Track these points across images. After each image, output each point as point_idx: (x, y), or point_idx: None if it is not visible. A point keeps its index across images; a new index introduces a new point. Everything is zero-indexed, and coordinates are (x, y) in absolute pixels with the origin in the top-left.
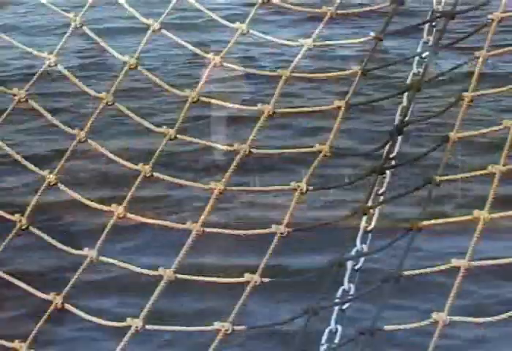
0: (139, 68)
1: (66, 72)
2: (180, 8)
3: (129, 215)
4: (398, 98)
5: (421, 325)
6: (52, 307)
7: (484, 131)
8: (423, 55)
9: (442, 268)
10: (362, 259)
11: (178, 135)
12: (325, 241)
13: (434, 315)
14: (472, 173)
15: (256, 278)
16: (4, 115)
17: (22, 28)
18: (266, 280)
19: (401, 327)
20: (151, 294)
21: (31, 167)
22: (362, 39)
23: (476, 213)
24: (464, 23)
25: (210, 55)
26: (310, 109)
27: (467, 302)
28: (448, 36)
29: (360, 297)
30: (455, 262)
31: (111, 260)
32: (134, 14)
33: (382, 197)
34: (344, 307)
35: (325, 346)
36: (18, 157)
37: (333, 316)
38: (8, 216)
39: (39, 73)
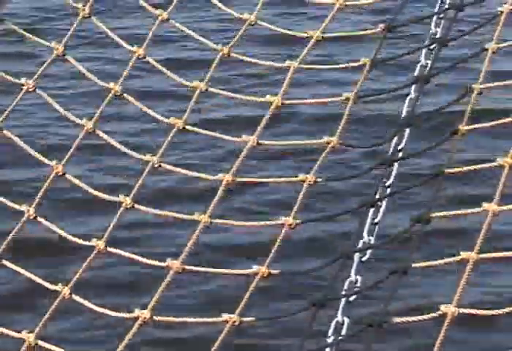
0: (147, 58)
1: (74, 63)
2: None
3: (136, 206)
4: (406, 90)
5: (430, 318)
6: (60, 298)
7: (493, 123)
8: (431, 47)
9: (451, 260)
10: (369, 252)
11: (186, 126)
12: (332, 233)
13: (443, 307)
14: (481, 165)
15: (264, 269)
16: (12, 105)
17: (29, 18)
18: (274, 271)
19: (410, 319)
20: (158, 285)
21: (39, 157)
22: (371, 31)
23: (485, 205)
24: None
25: (218, 46)
26: (319, 100)
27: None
28: (456, 28)
29: (368, 289)
30: (464, 254)
31: (119, 251)
32: (142, 3)
33: (389, 189)
34: (351, 299)
35: (331, 338)
36: (26, 147)
37: (340, 308)
38: (16, 206)
39: (47, 63)
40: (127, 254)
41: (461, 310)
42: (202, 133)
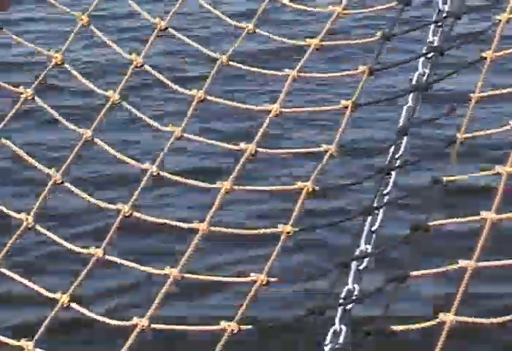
0: (145, 66)
1: (73, 71)
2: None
3: (135, 214)
4: (405, 98)
5: (428, 326)
6: (58, 306)
7: (491, 131)
8: (429, 55)
9: (449, 268)
10: (366, 260)
11: (184, 134)
12: (330, 241)
13: (442, 315)
14: (480, 173)
15: (262, 277)
16: (11, 113)
17: (28, 27)
18: (273, 279)
19: (408, 327)
20: (157, 293)
21: (37, 165)
22: (369, 39)
23: (483, 213)
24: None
25: (216, 55)
26: (317, 108)
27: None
28: (453, 37)
29: (365, 298)
30: (462, 262)
31: (117, 259)
32: (141, 12)
33: (387, 197)
34: (349, 307)
35: (329, 347)
36: (24, 155)
37: (338, 316)
38: (14, 215)
39: (45, 71)
40: (126, 262)
41: (460, 318)
42: (200, 141)
